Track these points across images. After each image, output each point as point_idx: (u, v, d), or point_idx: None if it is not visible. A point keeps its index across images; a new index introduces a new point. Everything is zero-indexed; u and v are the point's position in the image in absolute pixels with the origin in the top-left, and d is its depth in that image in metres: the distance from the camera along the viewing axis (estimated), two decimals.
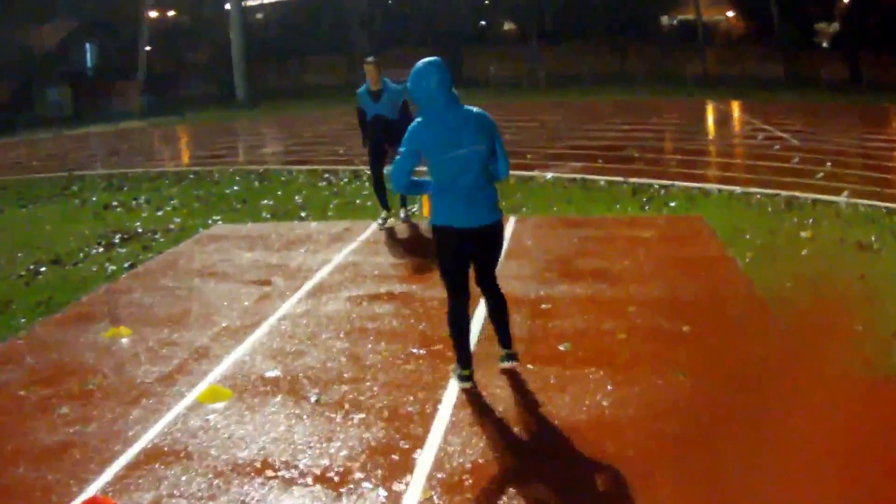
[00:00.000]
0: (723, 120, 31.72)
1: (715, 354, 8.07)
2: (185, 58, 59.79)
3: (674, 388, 7.39)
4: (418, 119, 7.22)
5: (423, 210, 7.95)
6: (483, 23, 61.53)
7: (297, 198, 17.98)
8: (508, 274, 10.28)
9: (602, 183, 17.53)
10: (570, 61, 52.18)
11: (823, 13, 50.92)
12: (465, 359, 7.56)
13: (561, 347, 8.40)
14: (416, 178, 7.40)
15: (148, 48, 56.47)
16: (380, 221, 14.36)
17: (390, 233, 13.94)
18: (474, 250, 7.41)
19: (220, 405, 7.55)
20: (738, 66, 46.61)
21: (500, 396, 7.39)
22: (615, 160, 20.41)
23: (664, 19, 59.49)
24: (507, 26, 61.81)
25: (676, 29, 57.80)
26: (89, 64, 57.84)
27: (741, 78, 44.04)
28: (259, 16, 62.10)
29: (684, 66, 48.39)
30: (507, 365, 7.87)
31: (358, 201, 16.66)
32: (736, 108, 34.31)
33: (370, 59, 14.40)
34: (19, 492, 6.35)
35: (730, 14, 57.66)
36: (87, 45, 57.45)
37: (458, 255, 7.37)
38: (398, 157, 7.24)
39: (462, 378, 7.56)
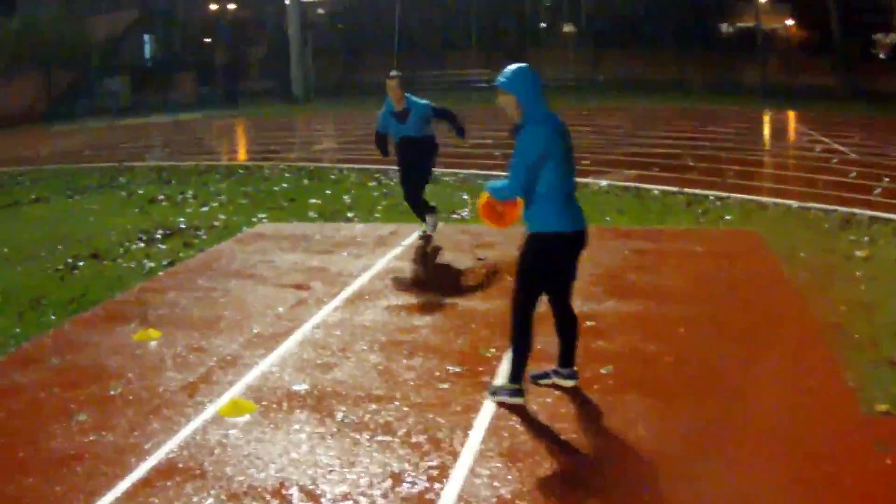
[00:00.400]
0: (780, 130, 31.14)
1: (763, 384, 7.64)
2: (245, 52, 59.82)
3: (720, 419, 6.99)
4: (535, 125, 6.96)
5: (481, 214, 7.46)
6: (543, 25, 61.12)
7: (345, 197, 17.72)
8: None
9: (656, 192, 17.12)
10: (627, 66, 51.73)
11: (882, 24, 50.14)
12: (522, 374, 7.26)
13: (603, 370, 7.99)
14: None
15: (207, 40, 56.70)
16: (421, 233, 13.71)
17: (436, 238, 13.57)
18: (571, 257, 7.28)
19: (241, 419, 7.24)
20: (796, 75, 45.84)
21: (534, 423, 7.00)
22: (671, 169, 19.97)
23: (724, 26, 58.83)
24: (567, 28, 61.33)
25: (735, 36, 57.10)
26: (147, 55, 58.06)
27: (799, 88, 43.26)
28: (320, 11, 61.94)
29: (742, 75, 47.75)
30: (570, 383, 7.59)
31: (405, 204, 16.34)
32: (793, 118, 33.68)
33: (393, 74, 13.15)
34: (23, 503, 6.08)
35: (788, 23, 56.90)
36: (146, 36, 57.64)
37: (558, 264, 7.23)
38: (520, 163, 6.94)
39: (517, 393, 7.25)
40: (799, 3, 52.78)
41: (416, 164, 13.33)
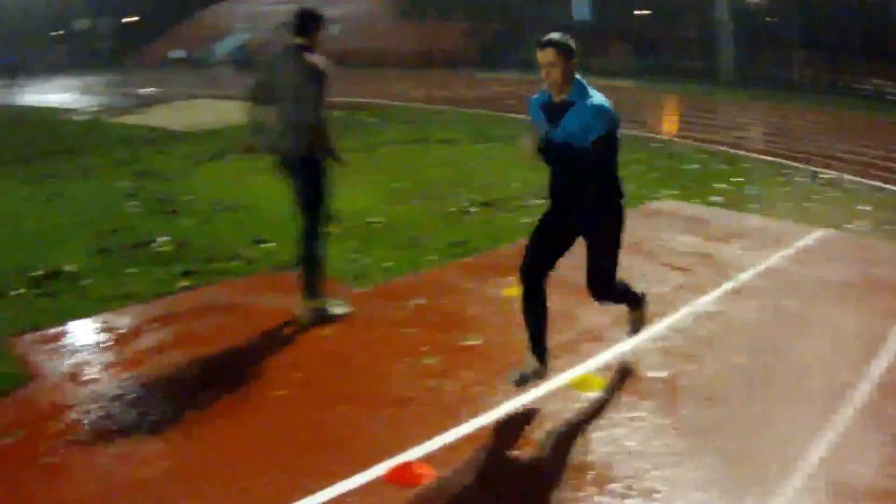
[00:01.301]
0: None
1: None
2: (672, 28, 59.14)
3: None
4: None
5: None
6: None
7: (750, 188, 16.91)
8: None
9: None
10: None
11: None
12: None
13: None
14: None
15: (646, 12, 56.60)
16: (521, 375, 6.94)
17: (832, 246, 12.47)
18: None
19: (585, 395, 7.00)
20: None
21: (874, 465, 6.11)
22: None
23: None
24: None
25: None
26: (583, 17, 58.39)
27: None
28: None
29: None
30: None
31: (806, 204, 15.35)
32: None
33: (552, 38, 6.63)
34: (343, 436, 6.21)
35: None
36: None
37: None
38: None
39: None
40: None
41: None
